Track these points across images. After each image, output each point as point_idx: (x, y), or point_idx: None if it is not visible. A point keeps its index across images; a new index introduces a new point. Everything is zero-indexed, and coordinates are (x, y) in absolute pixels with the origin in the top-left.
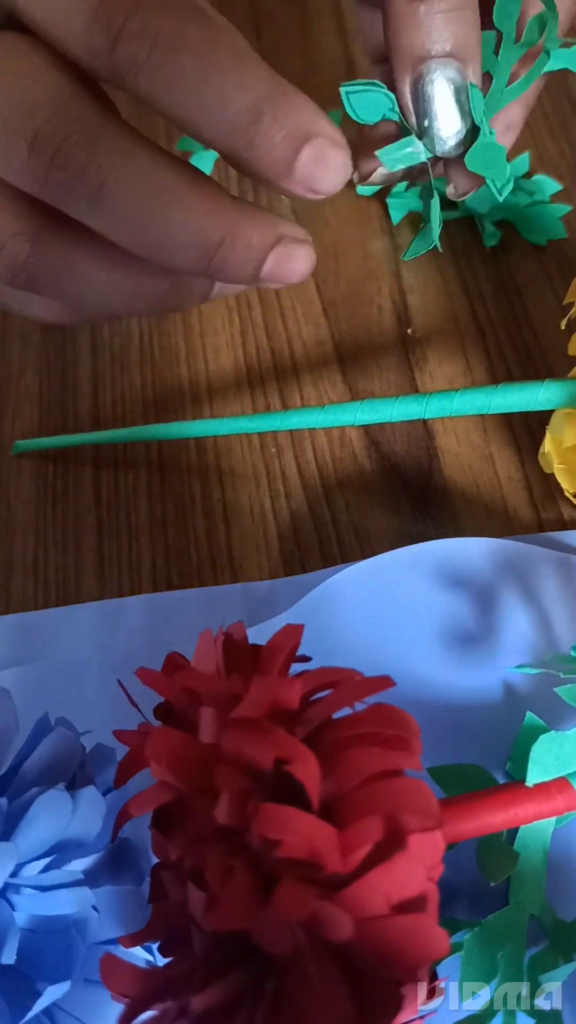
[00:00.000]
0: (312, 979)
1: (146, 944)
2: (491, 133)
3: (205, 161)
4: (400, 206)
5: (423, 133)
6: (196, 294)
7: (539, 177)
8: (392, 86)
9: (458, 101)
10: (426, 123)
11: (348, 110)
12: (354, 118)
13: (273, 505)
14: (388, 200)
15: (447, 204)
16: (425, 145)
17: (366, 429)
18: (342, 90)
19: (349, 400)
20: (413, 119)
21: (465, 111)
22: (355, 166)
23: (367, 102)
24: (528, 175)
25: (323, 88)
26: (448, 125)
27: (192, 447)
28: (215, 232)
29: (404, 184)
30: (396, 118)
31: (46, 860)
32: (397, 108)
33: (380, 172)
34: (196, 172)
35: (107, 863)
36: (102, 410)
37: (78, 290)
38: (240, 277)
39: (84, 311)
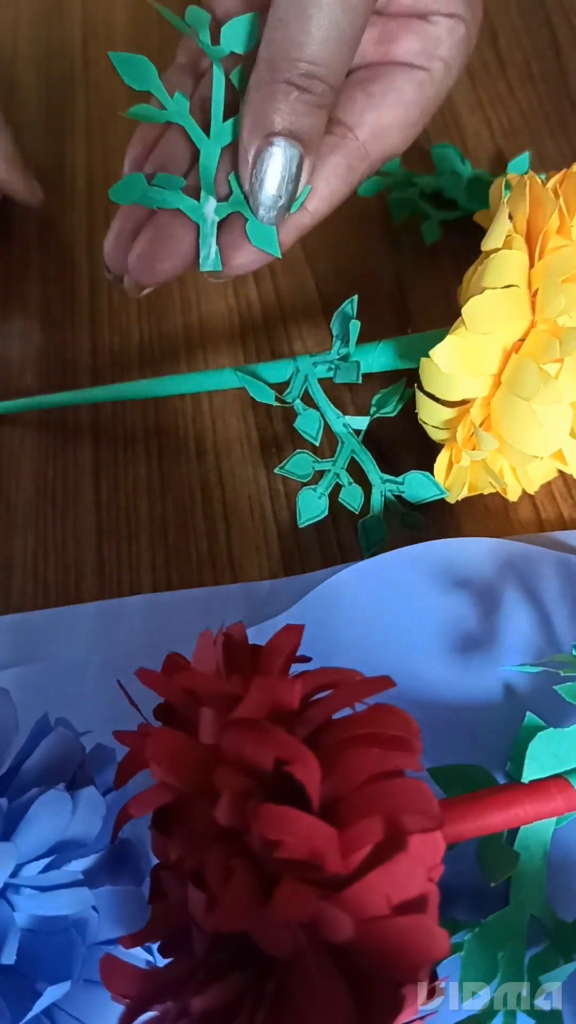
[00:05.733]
0: (313, 980)
1: (146, 945)
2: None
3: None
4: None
5: (249, 195)
6: None
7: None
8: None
9: (287, 178)
10: (255, 189)
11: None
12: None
13: (273, 505)
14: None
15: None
16: (249, 205)
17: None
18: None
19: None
20: (247, 182)
21: (288, 189)
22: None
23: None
24: None
25: None
26: (271, 193)
27: (192, 448)
28: None
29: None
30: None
31: (46, 860)
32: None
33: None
34: None
35: (107, 863)
36: (101, 409)
37: None
38: None
39: None
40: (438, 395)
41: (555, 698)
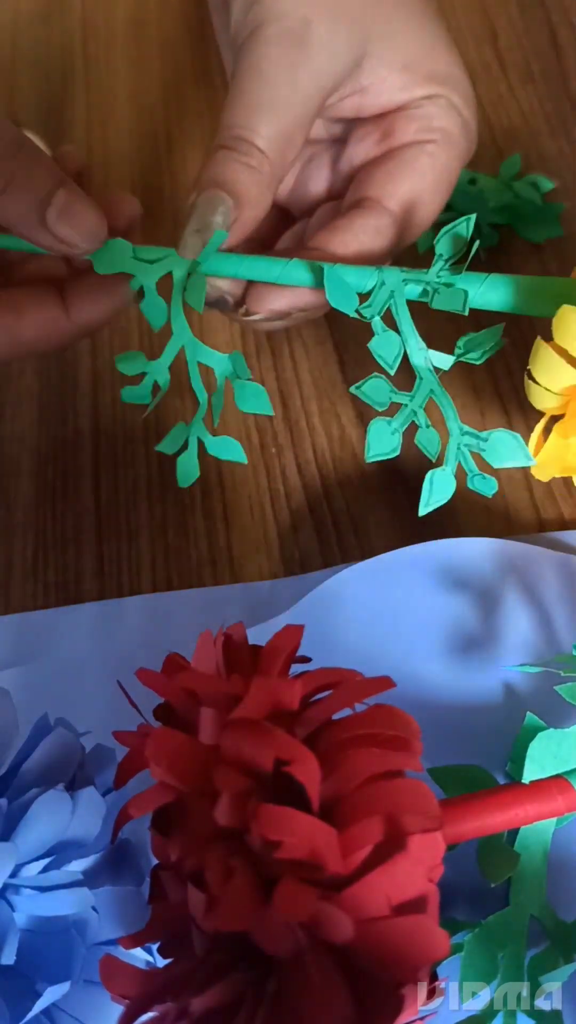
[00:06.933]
0: (312, 980)
1: (146, 945)
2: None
3: None
4: None
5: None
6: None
7: (531, 176)
8: None
9: (208, 220)
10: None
11: None
12: None
13: (273, 505)
14: None
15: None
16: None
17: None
18: None
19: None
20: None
21: (207, 224)
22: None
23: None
24: (520, 175)
25: None
26: (192, 229)
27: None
28: None
29: None
30: None
31: (46, 861)
32: None
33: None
34: None
35: (107, 864)
36: (101, 409)
37: None
38: (26, 227)
39: None
40: (573, 352)
41: (555, 698)
